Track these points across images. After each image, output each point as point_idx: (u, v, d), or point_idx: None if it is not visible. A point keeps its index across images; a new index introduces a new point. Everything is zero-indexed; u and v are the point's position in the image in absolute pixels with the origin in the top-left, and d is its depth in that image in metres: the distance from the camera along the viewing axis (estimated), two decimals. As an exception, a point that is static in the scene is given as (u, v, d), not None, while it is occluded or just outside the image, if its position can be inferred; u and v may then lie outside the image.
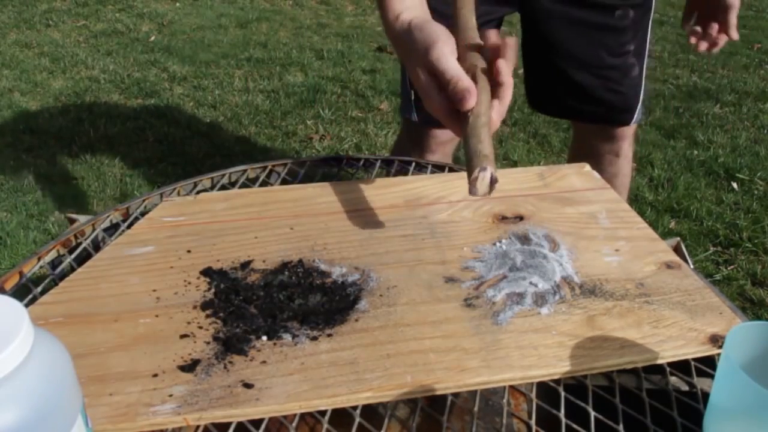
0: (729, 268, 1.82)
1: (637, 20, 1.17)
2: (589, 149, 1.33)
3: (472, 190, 0.62)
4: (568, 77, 1.21)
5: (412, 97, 1.24)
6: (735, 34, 1.09)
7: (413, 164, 0.98)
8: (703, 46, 1.14)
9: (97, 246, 0.79)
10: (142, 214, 0.83)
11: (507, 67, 0.67)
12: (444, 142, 1.29)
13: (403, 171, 0.98)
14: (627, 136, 1.30)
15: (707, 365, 0.63)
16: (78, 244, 0.79)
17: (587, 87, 1.21)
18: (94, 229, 0.82)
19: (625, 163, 1.33)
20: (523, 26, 1.25)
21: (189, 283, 0.69)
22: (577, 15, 1.15)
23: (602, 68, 1.20)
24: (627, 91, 1.22)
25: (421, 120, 1.26)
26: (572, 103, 1.26)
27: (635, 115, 1.25)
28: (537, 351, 0.60)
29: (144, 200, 0.87)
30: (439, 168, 0.97)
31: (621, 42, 1.18)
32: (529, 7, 1.19)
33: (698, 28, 1.14)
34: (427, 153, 1.29)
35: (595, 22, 1.16)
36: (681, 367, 0.62)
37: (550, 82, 1.26)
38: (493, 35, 0.71)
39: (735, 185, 2.21)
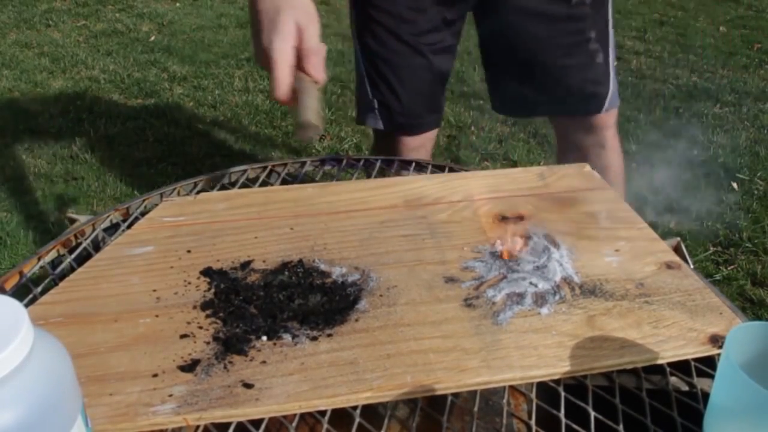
0: (729, 268, 1.82)
1: (595, 6, 1.17)
2: (574, 145, 1.31)
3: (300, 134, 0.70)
4: (532, 70, 1.20)
5: (376, 106, 1.21)
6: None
7: (413, 164, 0.98)
8: None
9: (97, 246, 0.79)
10: (142, 214, 0.83)
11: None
12: (415, 148, 1.26)
13: (403, 171, 0.98)
14: (608, 125, 1.27)
15: (707, 365, 0.63)
16: (78, 244, 0.79)
17: (553, 77, 1.20)
18: (94, 229, 0.82)
19: (613, 155, 1.30)
20: (479, 26, 1.23)
21: (189, 283, 0.69)
22: (534, 6, 1.14)
23: (565, 56, 1.19)
24: (594, 78, 1.21)
25: (387, 127, 1.23)
26: (541, 98, 1.24)
27: (606, 103, 1.23)
28: (537, 351, 0.60)
29: (144, 200, 0.87)
30: (439, 168, 0.97)
31: (580, 29, 1.17)
32: (486, 4, 1.18)
33: None
34: None
35: (552, 13, 1.15)
36: (681, 367, 0.62)
37: (515, 80, 1.24)
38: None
39: (735, 185, 2.21)
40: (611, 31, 1.21)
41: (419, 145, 1.27)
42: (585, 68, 1.20)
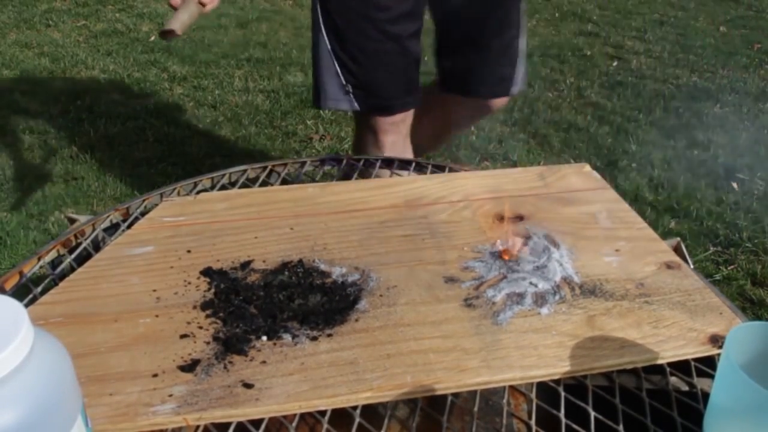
0: (729, 268, 1.82)
1: None
2: (459, 120, 1.37)
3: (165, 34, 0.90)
4: (469, 49, 1.26)
5: (351, 90, 1.22)
6: None
7: (413, 164, 0.98)
8: None
9: (97, 246, 0.79)
10: (142, 214, 0.83)
11: None
12: (396, 122, 1.28)
13: (403, 171, 0.98)
14: (500, 106, 1.34)
15: (707, 365, 0.63)
16: (78, 244, 0.79)
17: (482, 56, 1.26)
18: (94, 229, 0.82)
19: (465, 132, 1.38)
20: (433, 7, 1.28)
21: (189, 283, 0.69)
22: None
23: (493, 36, 1.25)
24: (508, 61, 1.27)
25: (364, 109, 1.25)
26: (471, 77, 1.29)
27: (517, 86, 1.30)
28: (537, 351, 0.60)
29: (144, 200, 0.87)
30: (439, 168, 0.97)
31: (506, 10, 1.23)
32: None
33: None
34: (381, 134, 1.29)
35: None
36: (681, 367, 0.62)
37: (457, 58, 1.30)
38: None
39: (735, 185, 2.21)
40: (522, 17, 1.28)
41: (400, 120, 1.29)
42: (505, 50, 1.27)
